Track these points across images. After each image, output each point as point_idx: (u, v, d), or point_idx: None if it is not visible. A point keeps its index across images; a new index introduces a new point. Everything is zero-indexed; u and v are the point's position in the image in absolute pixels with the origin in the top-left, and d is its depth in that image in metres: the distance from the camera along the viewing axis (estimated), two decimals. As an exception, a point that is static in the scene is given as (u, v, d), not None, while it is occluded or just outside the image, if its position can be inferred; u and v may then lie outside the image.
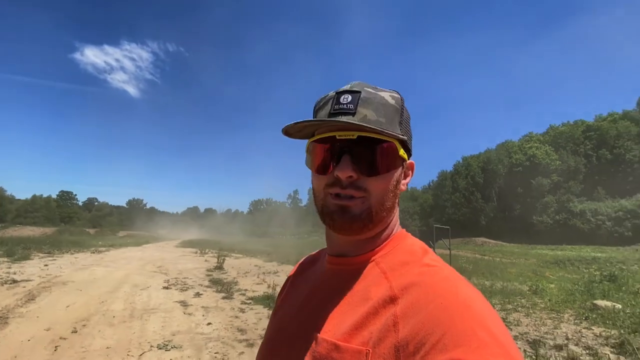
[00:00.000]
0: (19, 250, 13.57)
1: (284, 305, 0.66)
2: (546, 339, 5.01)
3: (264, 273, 11.44)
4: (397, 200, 0.58)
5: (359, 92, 0.53)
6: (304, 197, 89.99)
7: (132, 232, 53.38)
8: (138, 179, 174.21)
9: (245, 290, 8.19)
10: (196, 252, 19.79)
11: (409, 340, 0.42)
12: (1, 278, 7.97)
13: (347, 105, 0.52)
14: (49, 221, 60.68)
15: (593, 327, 5.58)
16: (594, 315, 6.15)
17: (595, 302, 6.94)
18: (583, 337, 5.13)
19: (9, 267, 9.75)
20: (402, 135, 0.54)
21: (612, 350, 4.54)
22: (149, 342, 4.31)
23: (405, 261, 0.53)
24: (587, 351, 4.48)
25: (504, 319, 5.79)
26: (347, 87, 0.55)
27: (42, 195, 71.80)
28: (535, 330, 5.45)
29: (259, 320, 5.67)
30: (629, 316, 5.96)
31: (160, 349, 4.12)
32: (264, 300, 6.96)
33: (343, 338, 0.48)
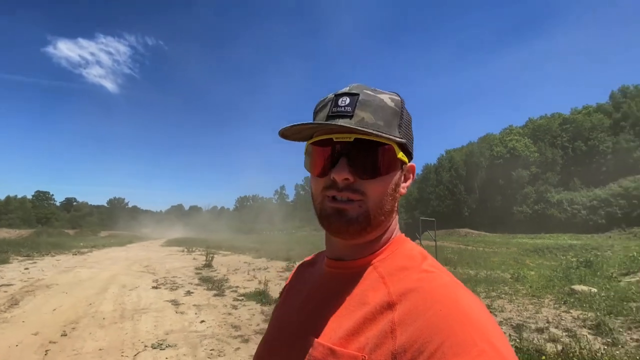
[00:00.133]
0: (-4, 254, 13.04)
1: (283, 307, 0.66)
2: (529, 323, 5.26)
3: (254, 269, 11.45)
4: (396, 204, 0.57)
5: (358, 94, 0.52)
6: (291, 193, 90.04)
7: (115, 232, 52.04)
8: (119, 177, 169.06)
9: (237, 287, 8.19)
10: (183, 251, 19.54)
11: (406, 348, 0.42)
12: (-20, 283, 7.69)
13: (344, 108, 0.52)
14: (25, 223, 58.38)
15: (571, 311, 5.89)
16: (572, 300, 6.49)
17: (572, 287, 7.31)
18: (562, 320, 5.41)
19: (-13, 272, 9.40)
20: (401, 138, 0.54)
21: (589, 331, 4.82)
22: (142, 342, 4.28)
23: (404, 266, 0.53)
24: (567, 333, 4.74)
25: (488, 306, 6.04)
26: (345, 89, 0.54)
27: (16, 195, 69.02)
28: (519, 316, 5.71)
29: (252, 316, 5.71)
30: (604, 299, 6.33)
31: (154, 348, 4.11)
32: (256, 296, 6.99)
33: (339, 343, 0.47)
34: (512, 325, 5.18)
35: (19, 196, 69.60)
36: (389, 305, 0.47)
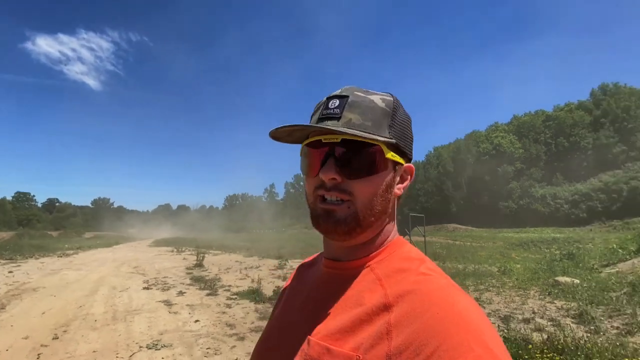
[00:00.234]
0: (-23, 258, 12.64)
1: (283, 307, 0.66)
2: (515, 314, 5.45)
3: (245, 268, 11.43)
4: (390, 205, 0.56)
5: (347, 96, 0.53)
6: (281, 191, 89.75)
7: (100, 233, 50.96)
8: (103, 177, 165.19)
9: (229, 286, 8.18)
10: (172, 251, 19.31)
11: (402, 350, 0.42)
12: (-38, 288, 7.47)
13: (333, 110, 0.53)
14: (5, 225, 56.42)
15: (555, 301, 6.13)
16: (556, 291, 6.74)
17: (556, 278, 7.58)
18: (547, 310, 5.63)
19: (-31, 276, 9.12)
20: (390, 138, 0.53)
21: (572, 320, 5.03)
22: (137, 343, 4.26)
23: (401, 268, 0.53)
24: (551, 322, 4.94)
25: (477, 299, 6.22)
26: (337, 92, 0.56)
27: (-5, 197, 66.58)
28: (506, 307, 5.90)
29: (246, 314, 5.73)
30: (586, 289, 6.59)
31: (150, 348, 4.10)
32: (249, 294, 7.01)
33: (335, 342, 0.48)
34: (500, 316, 5.36)
35: (-2, 197, 67.21)
36: (386, 307, 0.47)
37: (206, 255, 14.83)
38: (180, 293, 7.35)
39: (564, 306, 5.75)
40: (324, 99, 0.57)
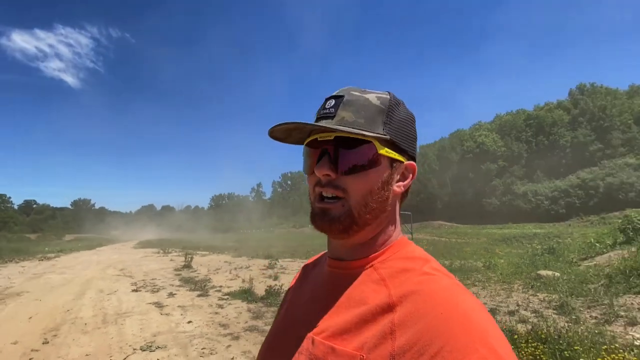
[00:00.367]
0: (-48, 263, 12.14)
1: (289, 306, 0.67)
2: (501, 307, 5.67)
3: (235, 269, 11.38)
4: (388, 203, 0.56)
5: (343, 96, 0.55)
6: (268, 191, 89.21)
7: (81, 235, 49.64)
8: (83, 177, 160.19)
9: (220, 286, 8.15)
10: (159, 252, 19.01)
11: (405, 350, 0.42)
12: (-60, 294, 7.18)
13: (329, 110, 0.55)
14: (-21, 228, 54.15)
15: (538, 294, 6.39)
16: (538, 284, 7.02)
17: (538, 272, 7.89)
18: (530, 302, 5.87)
19: (-54, 282, 8.77)
20: (384, 134, 0.54)
21: (554, 311, 5.28)
22: (130, 345, 4.23)
23: (405, 268, 0.53)
24: (535, 314, 5.17)
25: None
26: (335, 93, 0.58)
27: (-32, 199, 63.73)
28: (492, 301, 6.12)
29: (239, 314, 5.75)
30: (566, 282, 6.89)
31: (144, 350, 4.08)
32: (241, 294, 7.02)
33: (340, 342, 0.48)
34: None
35: (-28, 200, 64.38)
36: (390, 307, 0.47)
37: (194, 256, 14.67)
38: (171, 295, 7.29)
39: (546, 298, 6.00)
40: (324, 100, 0.59)
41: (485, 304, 5.91)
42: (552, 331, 3.85)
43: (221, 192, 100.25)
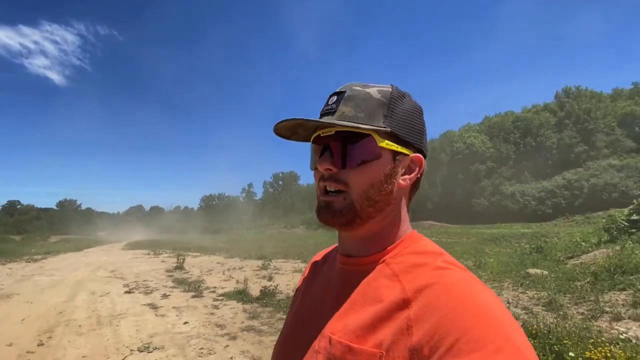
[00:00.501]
0: None
1: (300, 304, 0.66)
2: (492, 305, 5.81)
3: (228, 269, 11.35)
4: (393, 196, 0.55)
5: (344, 92, 0.56)
6: (259, 191, 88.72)
7: (67, 237, 48.63)
8: (69, 178, 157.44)
9: (214, 287, 8.13)
10: (149, 254, 18.77)
11: (423, 344, 0.42)
12: None
13: (331, 106, 0.56)
14: (-39, 230, 52.55)
15: (527, 292, 6.57)
16: (527, 282, 7.21)
17: (527, 270, 8.10)
18: (520, 300, 6.04)
19: None
20: (385, 127, 0.53)
21: (543, 308, 5.45)
22: (127, 347, 4.22)
23: (418, 263, 0.52)
24: (525, 311, 5.33)
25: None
26: (338, 89, 0.58)
27: (-51, 200, 61.70)
28: (483, 299, 6.27)
29: (235, 315, 5.76)
30: (554, 280, 7.10)
31: (141, 351, 4.07)
32: (236, 295, 7.02)
33: (357, 340, 0.47)
34: (478, 307, 5.70)
35: (-48, 201, 62.36)
36: (405, 302, 0.47)
37: (186, 257, 14.56)
38: (165, 296, 7.25)
39: (535, 296, 6.18)
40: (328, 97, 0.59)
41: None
42: (542, 327, 3.99)
43: (211, 192, 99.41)
